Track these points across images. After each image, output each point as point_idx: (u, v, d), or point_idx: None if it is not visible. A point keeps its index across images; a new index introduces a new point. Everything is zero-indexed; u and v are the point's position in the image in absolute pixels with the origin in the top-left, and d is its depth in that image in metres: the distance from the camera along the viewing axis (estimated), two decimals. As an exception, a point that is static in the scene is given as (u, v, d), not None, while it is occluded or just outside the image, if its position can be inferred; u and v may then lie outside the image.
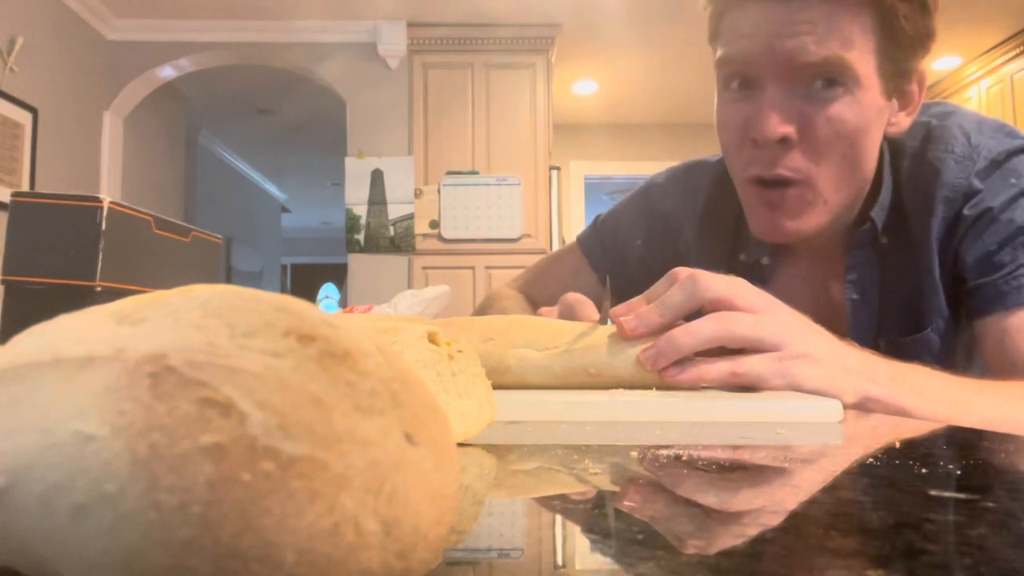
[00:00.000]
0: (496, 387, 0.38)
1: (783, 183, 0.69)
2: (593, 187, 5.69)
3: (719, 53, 0.71)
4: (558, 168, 4.16)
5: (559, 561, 0.20)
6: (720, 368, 0.49)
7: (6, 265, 0.65)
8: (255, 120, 5.57)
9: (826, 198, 0.69)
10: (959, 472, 0.29)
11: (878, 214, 0.74)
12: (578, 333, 0.53)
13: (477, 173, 3.96)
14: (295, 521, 0.13)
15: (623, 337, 0.51)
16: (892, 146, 0.75)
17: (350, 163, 3.97)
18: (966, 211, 0.69)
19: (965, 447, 0.38)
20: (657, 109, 5.15)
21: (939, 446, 0.39)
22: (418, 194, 3.96)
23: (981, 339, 0.69)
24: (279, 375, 0.15)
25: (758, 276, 0.81)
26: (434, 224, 3.96)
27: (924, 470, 0.29)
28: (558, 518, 0.24)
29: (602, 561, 0.19)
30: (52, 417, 0.14)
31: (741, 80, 0.70)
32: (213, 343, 0.15)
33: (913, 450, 0.36)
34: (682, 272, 0.52)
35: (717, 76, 0.73)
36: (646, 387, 0.50)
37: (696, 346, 0.49)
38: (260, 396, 0.14)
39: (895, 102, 0.70)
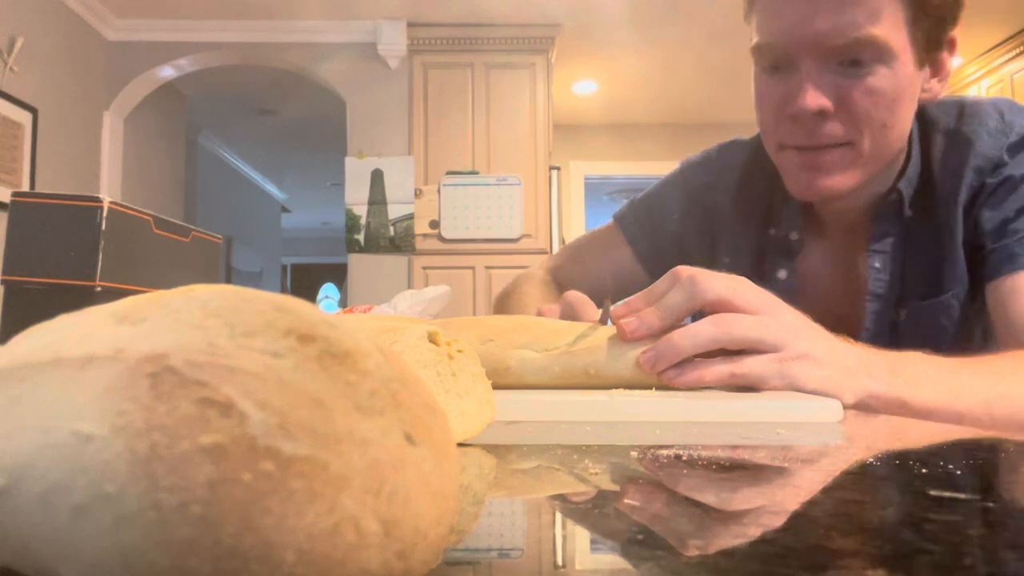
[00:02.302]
0: (496, 388, 0.38)
1: (826, 148, 0.70)
2: (593, 187, 5.69)
3: (754, 40, 0.72)
4: (558, 168, 4.16)
5: (559, 561, 0.20)
6: (719, 370, 0.49)
7: (6, 265, 0.65)
8: (255, 120, 5.57)
9: (865, 159, 0.71)
10: (959, 472, 0.29)
11: (905, 186, 0.75)
12: (577, 334, 0.53)
13: (477, 173, 3.96)
14: (295, 521, 0.13)
15: (623, 339, 0.51)
16: (923, 122, 0.77)
17: (350, 163, 3.97)
18: (989, 180, 0.71)
19: (965, 447, 0.38)
20: (657, 109, 5.15)
21: (939, 446, 0.39)
22: (418, 194, 3.96)
23: (991, 302, 0.70)
24: (279, 375, 0.15)
25: (787, 250, 0.83)
26: (434, 224, 3.96)
27: (924, 470, 0.29)
28: (558, 518, 0.24)
29: (602, 561, 0.19)
30: (52, 417, 0.14)
31: (776, 61, 0.71)
32: (213, 343, 0.15)
33: (913, 450, 0.36)
34: (683, 272, 0.52)
35: (754, 58, 0.75)
36: (646, 388, 0.50)
37: (695, 349, 0.49)
38: (260, 396, 0.14)
39: (927, 70, 0.72)
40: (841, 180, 0.72)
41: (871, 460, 0.33)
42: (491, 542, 0.21)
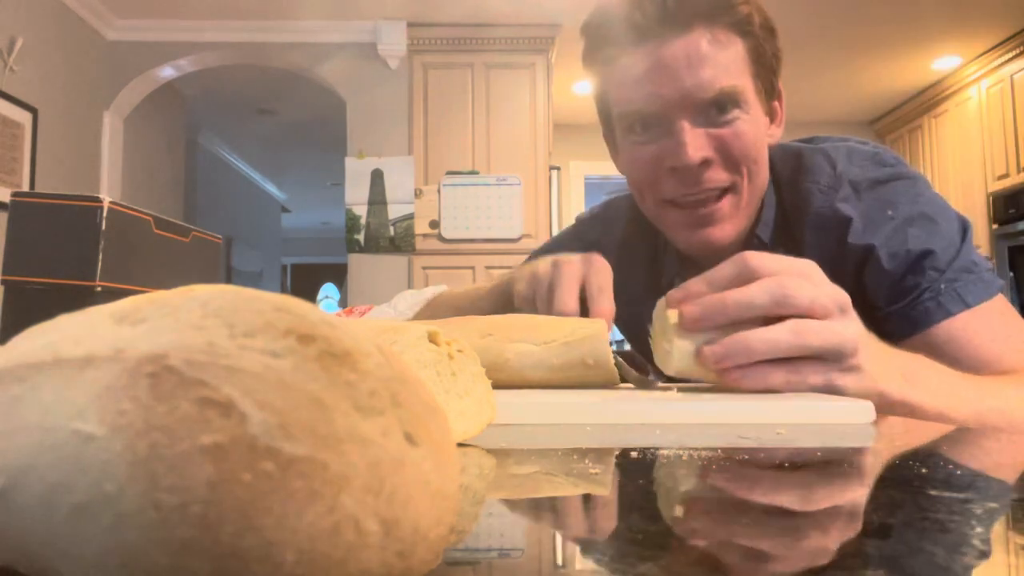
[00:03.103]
0: (495, 383, 0.38)
1: (710, 199, 0.74)
2: (593, 187, 5.69)
3: (624, 104, 0.76)
4: (558, 168, 4.16)
5: (559, 561, 0.20)
6: (780, 376, 0.48)
7: (6, 265, 0.65)
8: (255, 120, 5.57)
9: (746, 202, 0.75)
10: (959, 472, 0.29)
11: (763, 231, 0.80)
12: (575, 327, 0.53)
13: (477, 173, 3.96)
14: (295, 521, 0.13)
15: (684, 326, 0.49)
16: (772, 172, 0.81)
17: (350, 163, 3.97)
18: (850, 240, 0.74)
19: (965, 447, 0.38)
20: (657, 109, 5.14)
21: (939, 446, 0.39)
22: (418, 194, 3.96)
23: None
24: (279, 375, 0.15)
25: None
26: (434, 224, 3.95)
27: (924, 470, 0.29)
28: (558, 518, 0.24)
29: (602, 561, 0.19)
30: (52, 417, 0.14)
31: (645, 122, 0.74)
32: (213, 343, 0.15)
33: (913, 450, 0.36)
34: (761, 265, 0.49)
35: (619, 122, 0.78)
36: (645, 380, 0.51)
37: (769, 355, 0.48)
38: (260, 396, 0.14)
39: (767, 119, 0.78)
40: (729, 228, 0.75)
41: (871, 460, 0.33)
42: (491, 542, 0.21)
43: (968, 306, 0.69)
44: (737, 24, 0.71)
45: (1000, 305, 0.70)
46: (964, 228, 0.73)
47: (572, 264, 0.64)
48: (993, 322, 0.69)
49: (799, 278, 0.49)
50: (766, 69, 0.75)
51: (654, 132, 0.74)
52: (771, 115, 0.79)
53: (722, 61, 0.70)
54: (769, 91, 0.76)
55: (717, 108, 0.71)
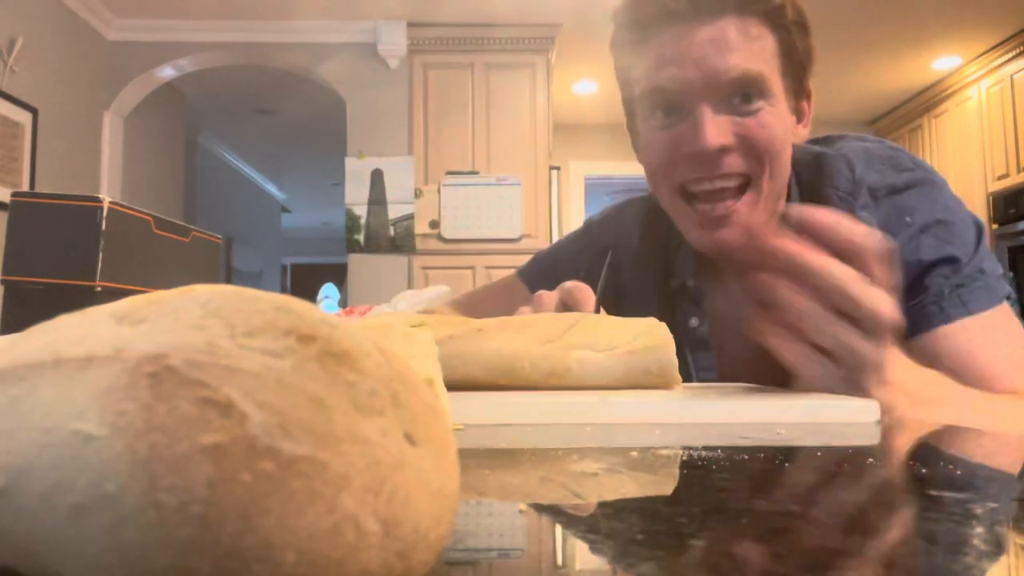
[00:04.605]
0: (556, 388, 0.38)
1: (727, 193, 0.72)
2: (593, 187, 5.69)
3: (646, 84, 0.74)
4: (558, 168, 4.16)
5: (559, 561, 0.20)
6: (813, 360, 0.49)
7: (6, 265, 0.65)
8: (255, 120, 5.57)
9: (766, 195, 0.73)
10: (959, 472, 0.29)
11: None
12: (636, 332, 0.53)
13: (477, 173, 3.96)
14: (295, 521, 0.13)
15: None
16: (793, 173, 0.80)
17: (350, 163, 3.97)
18: None
19: (965, 447, 0.38)
20: (657, 109, 5.14)
21: (939, 446, 0.39)
22: (418, 194, 3.96)
23: (918, 358, 0.71)
24: (279, 375, 0.15)
25: (688, 298, 0.84)
26: (434, 224, 3.96)
27: (924, 470, 0.29)
28: (557, 518, 0.24)
29: (602, 561, 0.19)
30: (52, 417, 0.14)
31: (668, 106, 0.73)
32: (213, 343, 0.15)
33: (913, 450, 0.36)
34: (876, 305, 0.49)
35: (641, 105, 0.77)
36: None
37: (811, 333, 0.49)
38: (260, 396, 0.14)
39: (793, 117, 0.76)
40: (743, 232, 0.73)
41: (871, 460, 0.33)
42: (491, 542, 0.21)
43: (969, 312, 0.67)
44: (768, 15, 0.70)
45: (1005, 317, 0.69)
46: (979, 233, 0.72)
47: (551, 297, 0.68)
48: (996, 334, 0.68)
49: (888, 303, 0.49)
50: (795, 66, 0.73)
51: (675, 118, 0.73)
52: (799, 115, 0.77)
53: (750, 50, 0.69)
54: (798, 89, 0.75)
55: (742, 97, 0.70)
